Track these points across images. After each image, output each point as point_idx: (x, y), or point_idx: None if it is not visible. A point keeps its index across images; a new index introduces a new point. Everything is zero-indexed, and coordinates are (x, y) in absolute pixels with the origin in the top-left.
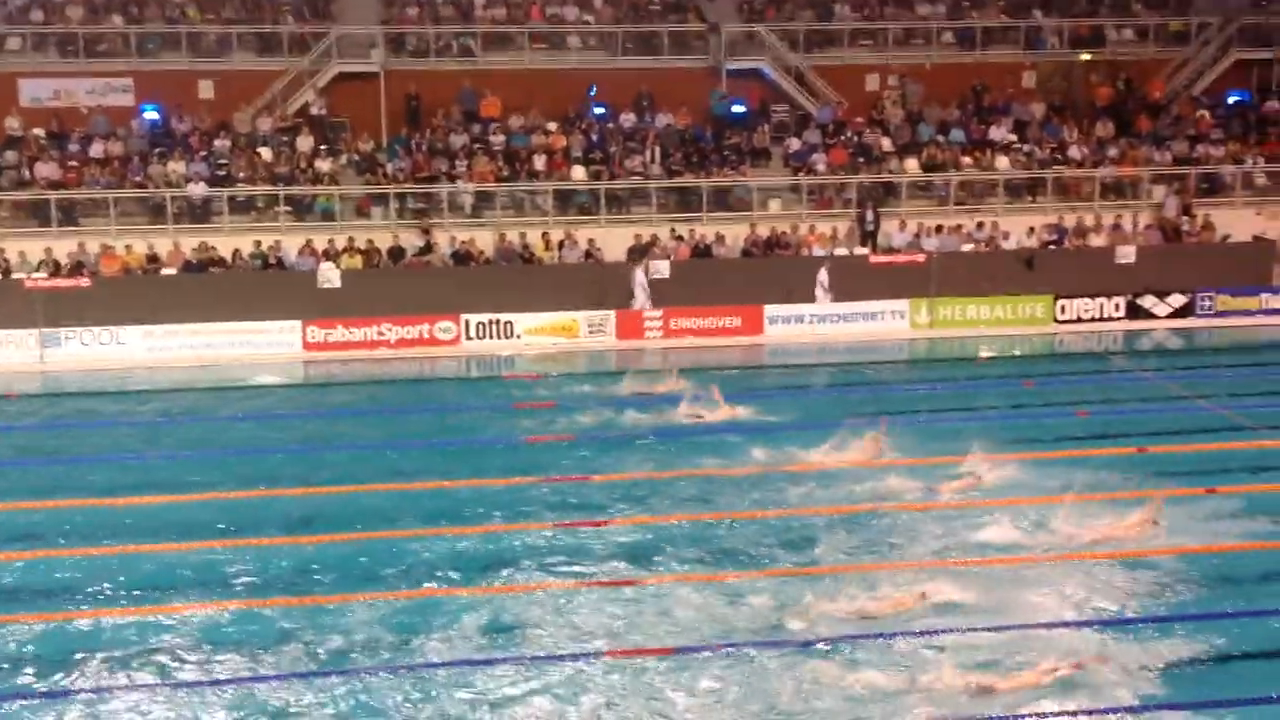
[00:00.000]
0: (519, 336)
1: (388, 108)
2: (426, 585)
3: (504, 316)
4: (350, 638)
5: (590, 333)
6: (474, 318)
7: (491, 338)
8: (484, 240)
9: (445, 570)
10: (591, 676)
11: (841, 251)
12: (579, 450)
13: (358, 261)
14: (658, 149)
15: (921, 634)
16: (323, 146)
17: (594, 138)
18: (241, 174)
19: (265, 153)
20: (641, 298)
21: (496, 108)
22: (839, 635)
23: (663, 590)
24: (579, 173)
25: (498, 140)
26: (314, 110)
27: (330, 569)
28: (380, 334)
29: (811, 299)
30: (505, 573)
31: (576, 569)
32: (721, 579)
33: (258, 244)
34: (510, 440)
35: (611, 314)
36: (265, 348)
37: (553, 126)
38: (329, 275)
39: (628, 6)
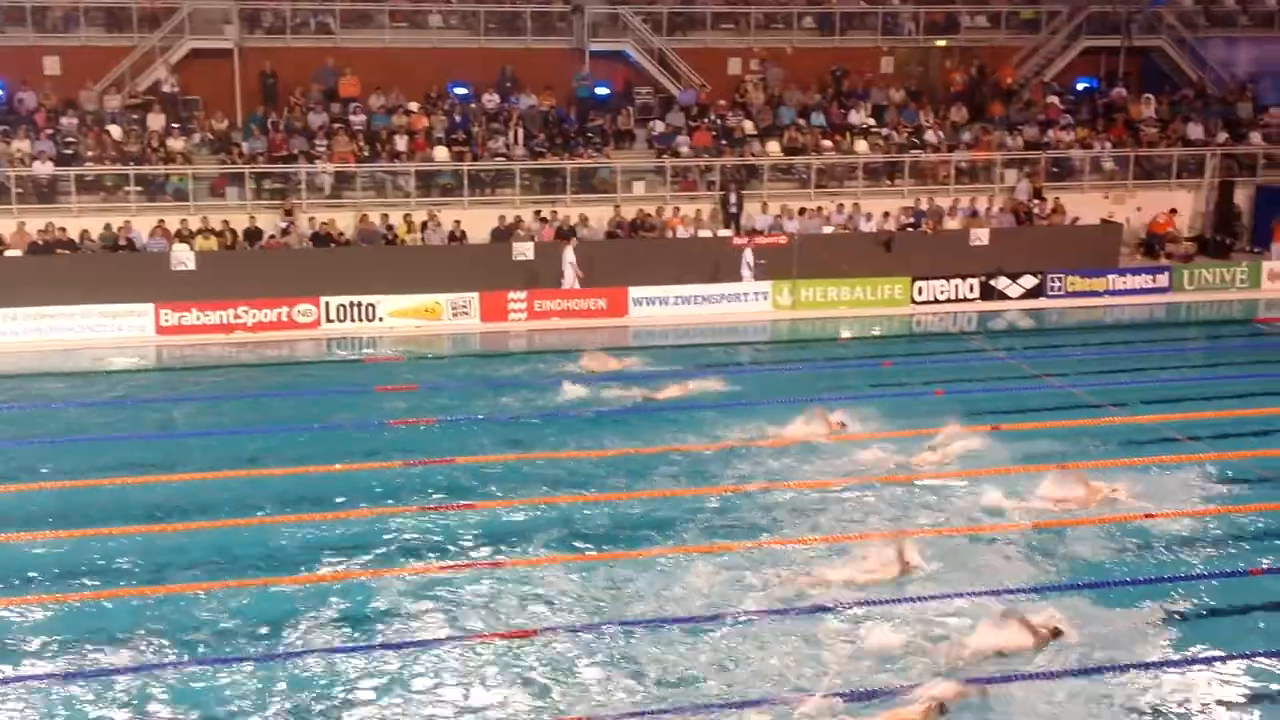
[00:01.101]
0: (381, 319)
1: (243, 86)
2: (285, 573)
3: (366, 299)
4: (210, 628)
5: (454, 315)
6: (334, 300)
7: (353, 320)
8: (344, 221)
9: (307, 557)
10: (466, 659)
11: (705, 234)
12: (443, 433)
13: (213, 243)
14: (521, 130)
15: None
16: (175, 125)
17: (456, 118)
18: (90, 153)
19: (115, 131)
20: (570, 276)
21: (356, 87)
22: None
23: (533, 572)
24: (441, 154)
25: (358, 120)
26: (165, 88)
27: (187, 558)
28: (237, 317)
29: (674, 281)
30: (369, 558)
31: (443, 552)
32: (583, 558)
33: (107, 226)
34: (372, 424)
35: (475, 296)
36: (116, 332)
37: (414, 106)
38: (183, 257)
39: None
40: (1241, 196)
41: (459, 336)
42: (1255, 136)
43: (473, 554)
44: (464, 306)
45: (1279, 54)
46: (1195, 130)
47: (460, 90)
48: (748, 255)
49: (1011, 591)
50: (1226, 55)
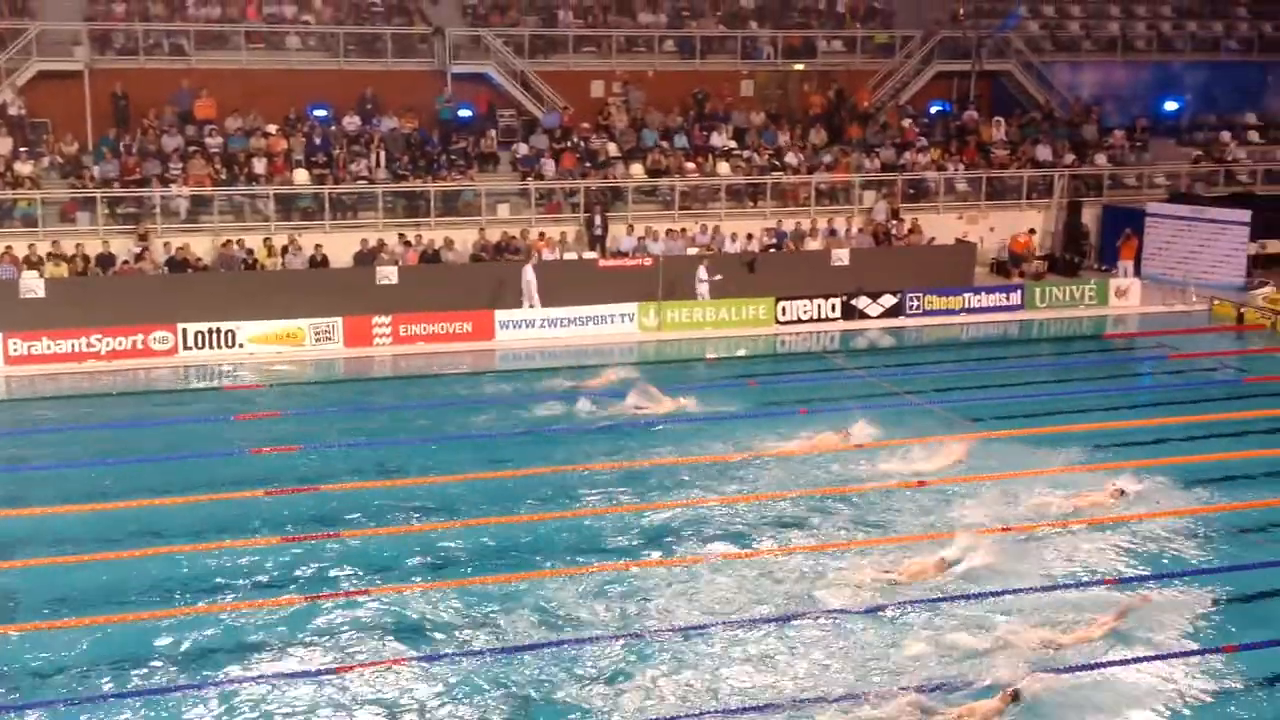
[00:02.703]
0: (241, 346)
1: (94, 108)
2: (140, 609)
3: (225, 325)
4: (63, 667)
5: (317, 340)
6: (192, 327)
7: (212, 347)
8: (202, 246)
9: (164, 591)
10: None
11: (570, 256)
12: (306, 461)
13: (63, 270)
14: (383, 152)
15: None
16: (23, 149)
17: (316, 141)
18: None
19: None
20: (532, 294)
21: (212, 109)
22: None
23: (397, 599)
24: (302, 176)
25: (214, 143)
26: (12, 110)
27: (33, 595)
28: (90, 345)
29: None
30: (229, 590)
31: (307, 583)
32: (454, 584)
33: None
34: (232, 453)
35: (339, 321)
36: None
37: (273, 129)
38: (32, 284)
39: (349, 7)
40: (1089, 216)
41: (322, 362)
42: (1100, 158)
43: (338, 584)
44: (327, 332)
45: (1122, 78)
46: (1044, 152)
47: (320, 112)
48: (701, 271)
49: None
50: (1072, 79)
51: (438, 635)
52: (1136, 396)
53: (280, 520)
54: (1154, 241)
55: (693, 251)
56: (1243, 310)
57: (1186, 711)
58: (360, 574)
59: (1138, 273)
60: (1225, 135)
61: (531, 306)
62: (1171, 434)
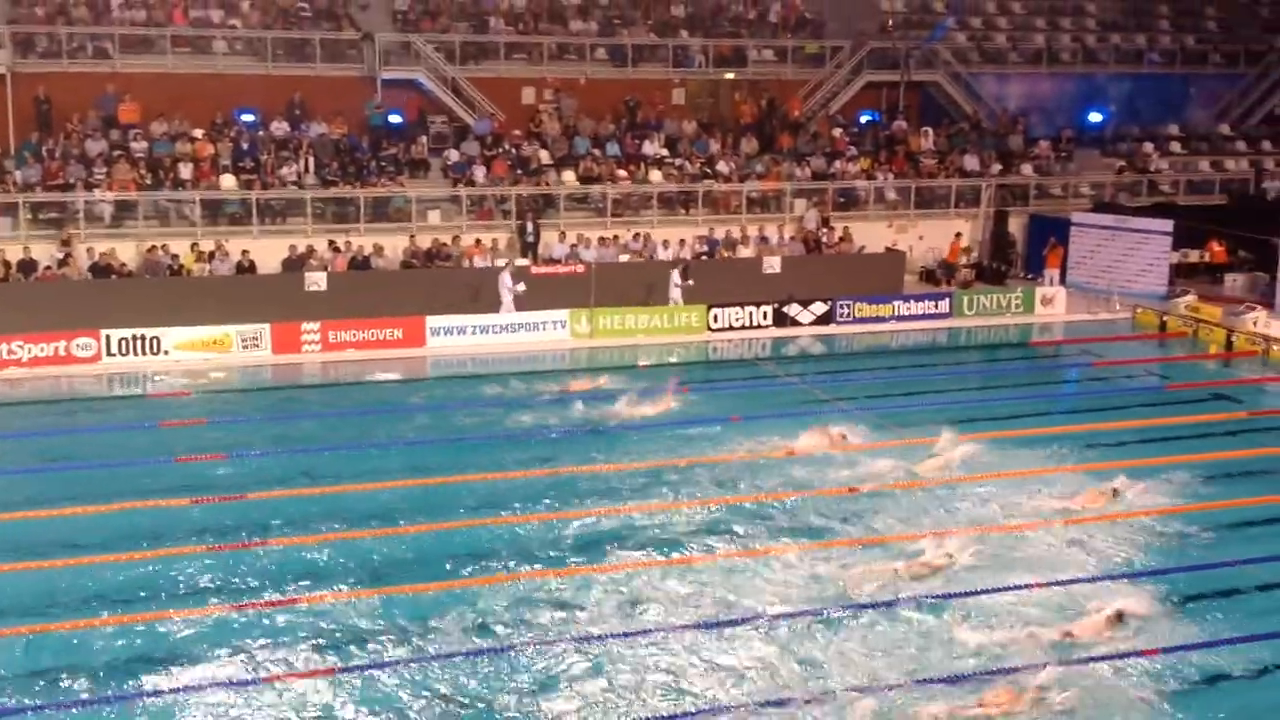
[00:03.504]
0: (167, 353)
1: (16, 112)
2: (63, 618)
3: (149, 332)
4: None
5: (244, 347)
6: (116, 333)
7: (136, 354)
8: (126, 252)
9: (86, 601)
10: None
11: (502, 263)
12: (233, 468)
13: None
14: (312, 158)
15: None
16: None
17: (244, 146)
18: None
19: None
20: (508, 300)
21: (137, 113)
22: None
23: (326, 608)
24: (229, 182)
25: (139, 147)
26: None
27: None
28: (11, 353)
29: (472, 311)
30: (154, 599)
31: (234, 592)
32: (384, 591)
33: None
34: (157, 461)
35: (267, 327)
36: None
37: (199, 133)
38: None
39: (277, 12)
40: (1015, 225)
41: (250, 369)
42: (1026, 168)
43: (266, 593)
44: (254, 338)
45: (1047, 89)
46: (971, 162)
47: (247, 117)
48: (675, 276)
49: None
50: (999, 90)
51: (367, 644)
52: (1061, 403)
53: (206, 529)
54: (1079, 250)
55: (624, 258)
56: (1165, 318)
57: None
58: (288, 583)
59: (1063, 281)
60: (1148, 146)
61: (508, 310)
62: (1099, 440)
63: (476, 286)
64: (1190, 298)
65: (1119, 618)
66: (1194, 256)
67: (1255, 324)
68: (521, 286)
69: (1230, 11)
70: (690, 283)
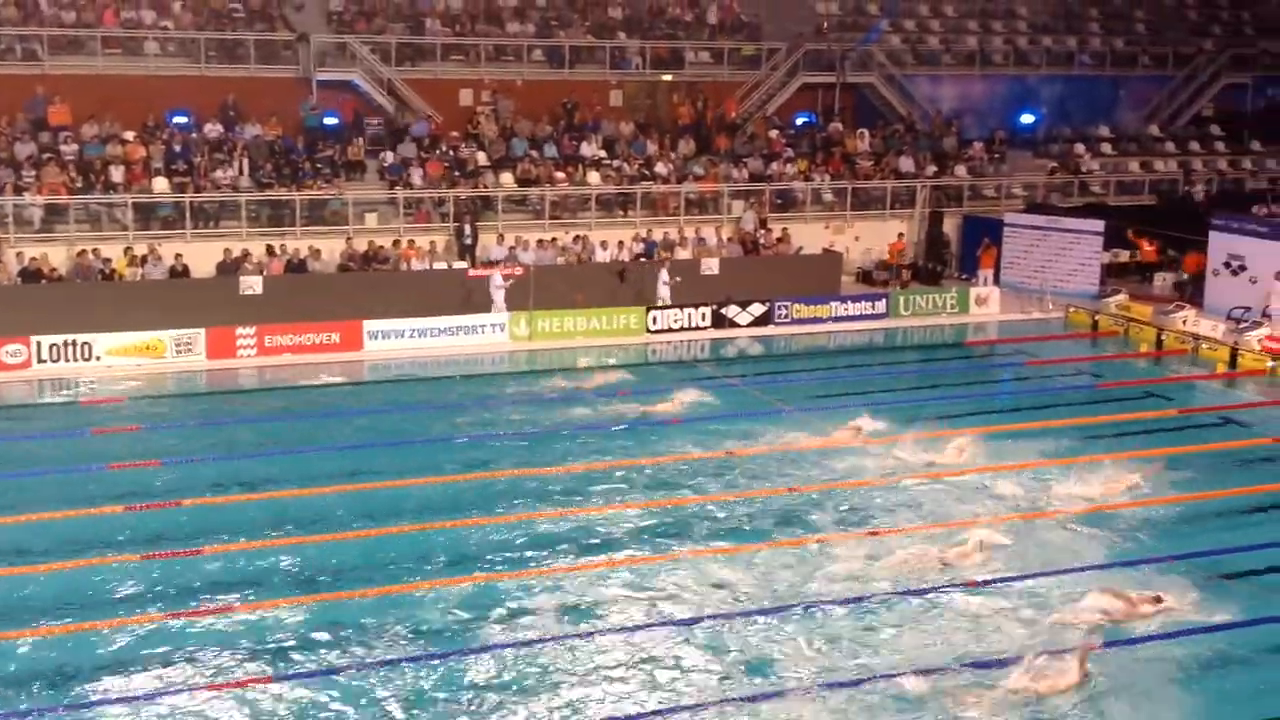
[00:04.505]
0: (99, 359)
1: None
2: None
3: (81, 338)
4: None
5: (178, 352)
6: (47, 339)
7: (67, 360)
8: (57, 256)
9: (17, 611)
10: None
11: (441, 265)
12: (168, 475)
13: None
14: (246, 160)
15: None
16: None
17: (176, 148)
18: None
19: None
20: (499, 299)
21: (67, 115)
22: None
23: (268, 616)
24: (161, 185)
25: (69, 150)
26: None
27: None
28: None
29: (410, 314)
30: (86, 609)
31: (169, 600)
32: (320, 598)
33: None
34: (90, 468)
35: (201, 332)
36: None
37: (130, 136)
38: None
39: (209, 13)
40: (950, 226)
41: (184, 375)
42: (960, 169)
43: (201, 601)
44: (189, 343)
45: (980, 91)
46: (906, 163)
47: (180, 119)
48: (663, 274)
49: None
50: (933, 92)
51: (307, 652)
52: (996, 402)
53: (141, 536)
54: (1012, 251)
55: (561, 260)
56: (1097, 317)
57: None
58: (225, 590)
59: (997, 281)
60: (1079, 147)
61: (499, 310)
62: (1032, 437)
63: (415, 289)
64: (1121, 297)
65: (1157, 600)
66: (1124, 256)
67: (1184, 323)
68: (511, 280)
69: (1159, 14)
70: (678, 279)
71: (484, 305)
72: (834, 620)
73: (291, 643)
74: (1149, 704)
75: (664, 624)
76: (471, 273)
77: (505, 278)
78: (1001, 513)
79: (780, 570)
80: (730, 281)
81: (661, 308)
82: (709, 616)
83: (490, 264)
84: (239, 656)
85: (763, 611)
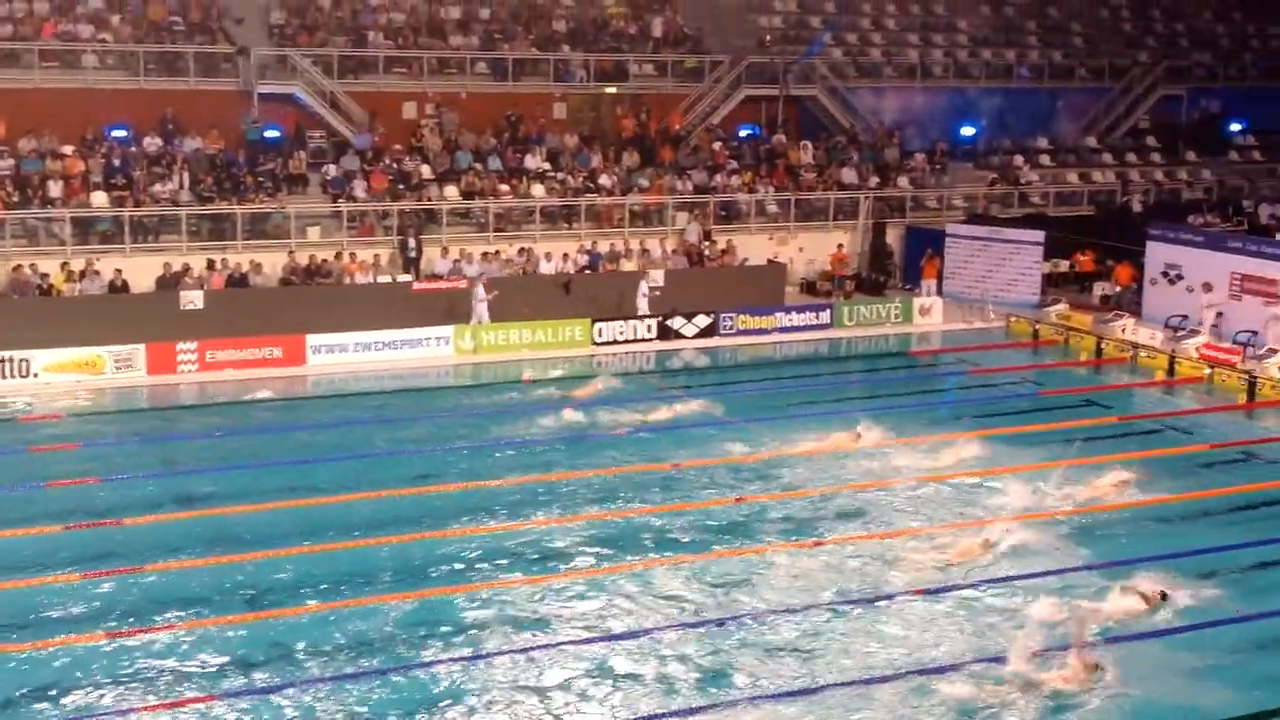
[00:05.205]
0: (36, 375)
1: None
2: None
3: (18, 354)
4: None
5: (118, 369)
6: None
7: (4, 377)
8: None
9: None
10: None
11: (385, 279)
12: (108, 493)
13: None
14: (187, 174)
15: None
16: None
17: (115, 162)
18: None
19: None
20: (481, 311)
21: (2, 130)
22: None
23: (204, 633)
24: (100, 199)
25: (6, 165)
26: None
27: None
28: None
29: (354, 328)
30: (25, 630)
31: (109, 619)
32: (264, 616)
33: None
34: (28, 486)
35: (141, 348)
36: None
37: (68, 150)
38: None
39: (149, 26)
40: (893, 236)
41: (124, 391)
42: (903, 180)
43: (143, 619)
44: (128, 359)
45: (921, 104)
46: (849, 175)
47: (119, 133)
48: (643, 286)
49: None
50: (875, 104)
51: (249, 670)
52: (940, 411)
53: (81, 555)
54: (954, 261)
55: (506, 273)
56: (1038, 326)
57: None
58: (166, 608)
59: (940, 291)
60: (1019, 159)
61: (480, 322)
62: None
63: (358, 303)
64: (1061, 306)
65: (1163, 597)
66: (1064, 266)
67: (1123, 331)
68: (496, 292)
69: (1095, 28)
70: (658, 292)
71: (430, 319)
72: (782, 629)
73: (234, 661)
74: (1157, 694)
75: (612, 637)
76: (417, 286)
77: (487, 289)
78: (944, 520)
79: (725, 580)
80: (675, 293)
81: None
82: (658, 628)
83: (435, 276)
84: (181, 675)
85: (713, 622)
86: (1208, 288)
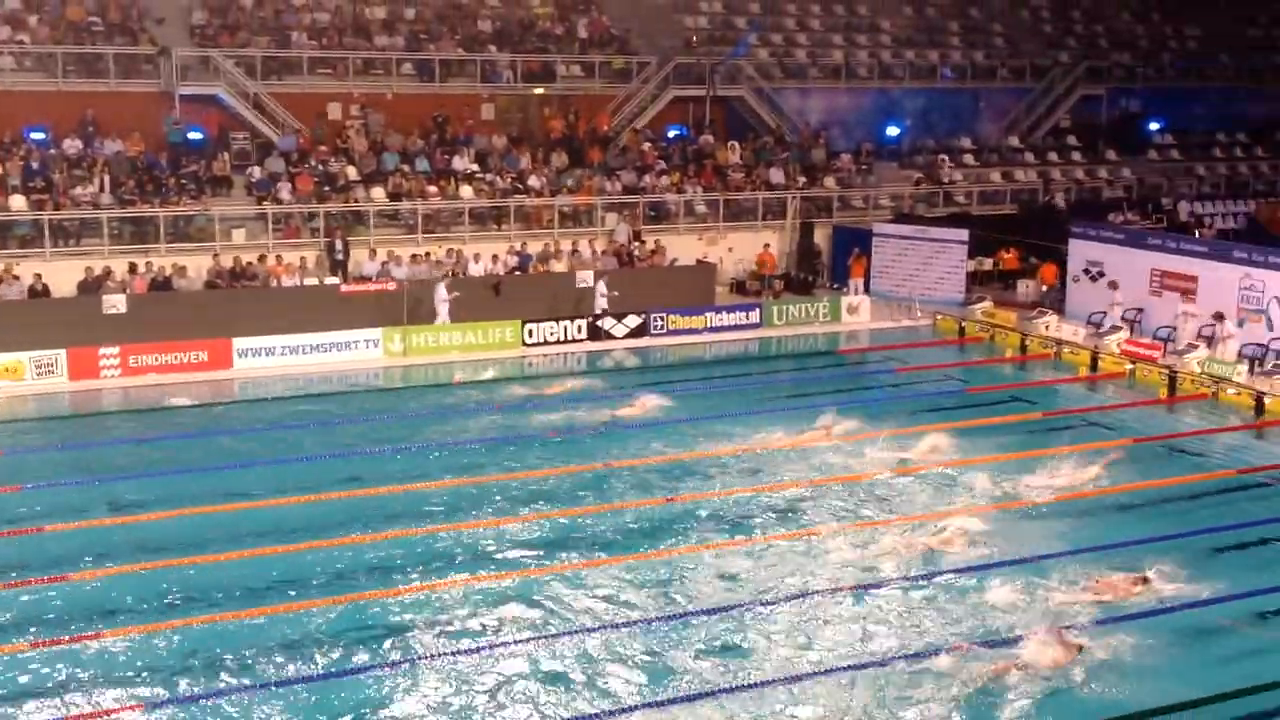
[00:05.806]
0: None
1: None
2: None
3: None
4: None
5: (39, 374)
6: None
7: None
8: None
9: None
10: None
11: (311, 281)
12: (27, 500)
13: None
14: (108, 177)
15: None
16: None
17: (34, 165)
18: None
19: None
20: (443, 312)
21: None
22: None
23: (131, 642)
24: (18, 202)
25: None
26: None
27: None
28: None
29: (280, 331)
30: None
31: (33, 629)
32: (188, 622)
33: None
34: None
35: (62, 353)
36: None
37: None
38: None
39: (67, 27)
40: (821, 236)
41: (45, 397)
42: (829, 180)
43: (68, 629)
44: (49, 365)
45: (847, 104)
46: (777, 175)
47: (37, 135)
48: (601, 286)
49: None
50: (801, 105)
51: (178, 679)
52: (869, 409)
53: (2, 564)
54: (881, 260)
55: (435, 275)
56: (963, 324)
57: None
58: (91, 617)
59: (867, 290)
60: (943, 158)
61: (442, 322)
62: (905, 443)
63: (285, 306)
64: (986, 304)
65: (1144, 580)
66: (988, 264)
67: (1047, 328)
68: (456, 293)
69: (1016, 28)
70: (615, 293)
71: (359, 321)
72: (716, 627)
73: (161, 669)
74: (1140, 672)
75: (546, 637)
76: (344, 288)
77: (449, 290)
78: (879, 517)
79: (655, 579)
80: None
81: (536, 321)
82: (591, 629)
83: (364, 279)
84: (109, 685)
85: (660, 619)
86: (1114, 285)
